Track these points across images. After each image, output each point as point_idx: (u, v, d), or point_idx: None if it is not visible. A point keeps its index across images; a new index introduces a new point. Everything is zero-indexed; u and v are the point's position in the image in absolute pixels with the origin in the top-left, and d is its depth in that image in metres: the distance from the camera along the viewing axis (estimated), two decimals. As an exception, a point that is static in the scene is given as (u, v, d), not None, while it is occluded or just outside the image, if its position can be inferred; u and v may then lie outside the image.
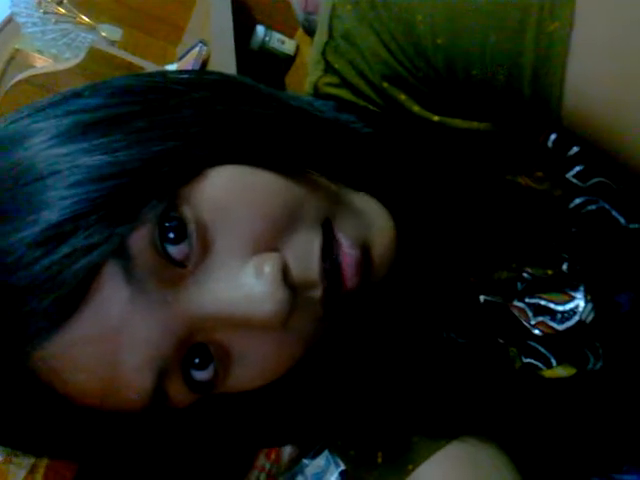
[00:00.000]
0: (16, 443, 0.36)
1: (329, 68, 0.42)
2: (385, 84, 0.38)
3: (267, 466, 0.70)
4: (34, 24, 1.15)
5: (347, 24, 0.39)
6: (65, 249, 0.29)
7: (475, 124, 0.38)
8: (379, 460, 0.47)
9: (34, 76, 0.99)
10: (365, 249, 0.36)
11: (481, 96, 0.36)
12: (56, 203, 0.30)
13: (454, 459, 0.45)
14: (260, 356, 0.35)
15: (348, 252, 0.35)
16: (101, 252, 0.30)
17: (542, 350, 0.46)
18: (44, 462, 0.69)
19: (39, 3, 1.17)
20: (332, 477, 0.57)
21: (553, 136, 0.37)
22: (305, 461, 0.62)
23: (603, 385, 0.49)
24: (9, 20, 1.21)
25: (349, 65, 0.40)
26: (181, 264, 0.32)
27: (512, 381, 0.49)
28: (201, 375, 0.34)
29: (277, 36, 1.47)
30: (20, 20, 1.13)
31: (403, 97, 0.39)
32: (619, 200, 0.39)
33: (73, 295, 0.30)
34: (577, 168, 0.38)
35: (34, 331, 0.30)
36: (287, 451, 0.67)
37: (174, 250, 0.32)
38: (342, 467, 0.59)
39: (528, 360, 0.47)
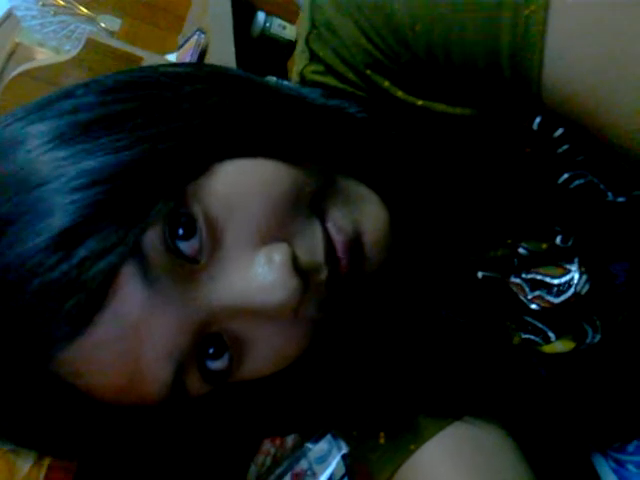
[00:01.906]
0: (37, 444, 0.37)
1: (314, 57, 0.42)
2: (368, 72, 0.39)
3: (272, 450, 0.70)
4: (33, 17, 1.14)
5: (327, 13, 0.39)
6: (81, 253, 0.29)
7: (459, 109, 0.38)
8: (381, 441, 0.47)
9: (33, 69, 0.99)
10: (357, 235, 0.36)
11: (463, 80, 0.36)
12: (66, 207, 0.30)
13: (456, 439, 0.45)
14: (272, 343, 0.35)
15: (336, 238, 0.35)
16: (118, 254, 0.30)
17: (540, 325, 0.46)
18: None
19: (38, -4, 1.17)
20: (334, 460, 0.57)
21: (538, 119, 0.37)
22: (308, 445, 0.62)
23: (603, 359, 0.48)
24: (9, 14, 1.21)
25: (333, 53, 0.40)
26: (194, 260, 0.33)
27: (511, 358, 0.49)
28: (216, 365, 0.35)
29: (278, 22, 1.46)
30: (19, 13, 1.13)
31: (387, 84, 0.39)
32: (605, 175, 0.39)
33: (94, 298, 0.30)
34: (564, 147, 0.38)
35: (57, 336, 0.30)
36: (291, 435, 0.67)
37: (185, 246, 0.32)
38: (344, 450, 0.59)
39: (527, 336, 0.47)
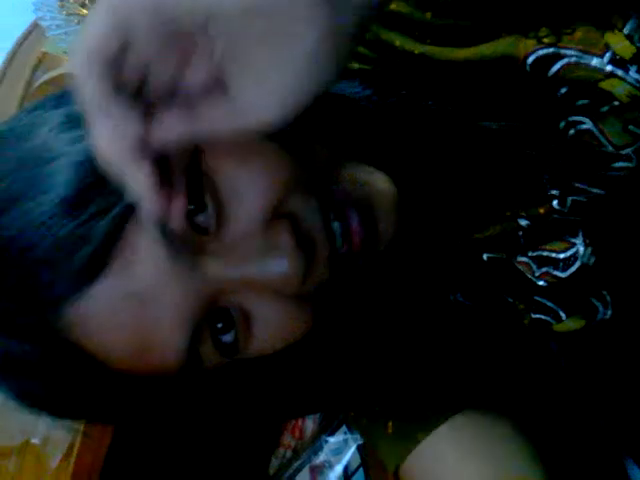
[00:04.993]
0: (51, 407, 0.37)
1: None
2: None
3: (292, 443, 0.70)
4: (58, 26, 1.17)
5: None
6: (90, 210, 0.31)
7: (462, 52, 0.38)
8: (389, 430, 0.47)
9: (57, 77, 1.02)
10: (366, 214, 0.36)
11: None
12: (76, 175, 0.31)
13: (464, 429, 0.44)
14: (279, 317, 0.36)
15: (350, 216, 0.35)
16: (124, 205, 0.31)
17: (550, 305, 0.45)
18: (77, 445, 0.71)
19: (62, 5, 1.20)
20: (350, 451, 0.57)
21: (532, 57, 0.37)
22: (325, 437, 0.62)
23: (616, 336, 0.47)
24: (35, 25, 1.24)
25: None
26: (203, 230, 0.33)
27: (523, 339, 0.48)
28: (226, 337, 0.35)
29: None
30: (44, 23, 1.16)
31: (397, 42, 0.40)
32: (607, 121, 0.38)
33: (102, 248, 0.31)
34: (562, 90, 0.37)
35: (66, 288, 0.31)
36: (309, 427, 0.67)
37: (197, 218, 0.33)
38: (360, 441, 0.58)
39: (537, 316, 0.46)
